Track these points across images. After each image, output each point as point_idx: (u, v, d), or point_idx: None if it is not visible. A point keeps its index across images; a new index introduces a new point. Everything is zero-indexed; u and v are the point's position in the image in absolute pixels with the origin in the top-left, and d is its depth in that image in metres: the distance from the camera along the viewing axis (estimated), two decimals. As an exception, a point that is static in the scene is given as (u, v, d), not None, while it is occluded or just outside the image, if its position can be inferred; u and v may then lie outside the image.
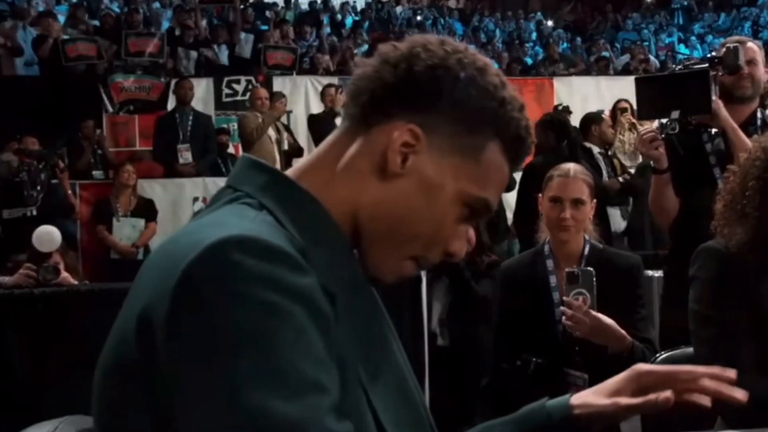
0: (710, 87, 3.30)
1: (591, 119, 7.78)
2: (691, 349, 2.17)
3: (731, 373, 1.29)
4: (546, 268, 3.07)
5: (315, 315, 0.95)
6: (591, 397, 1.28)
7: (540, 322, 2.86)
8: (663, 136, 3.34)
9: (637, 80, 3.90)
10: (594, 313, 2.65)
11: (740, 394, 1.24)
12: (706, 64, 3.40)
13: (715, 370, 1.29)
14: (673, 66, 3.60)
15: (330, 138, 1.18)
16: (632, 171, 8.54)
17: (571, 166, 3.18)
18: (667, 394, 1.22)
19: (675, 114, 3.29)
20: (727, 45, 3.52)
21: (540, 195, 3.15)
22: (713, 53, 3.62)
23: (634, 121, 9.74)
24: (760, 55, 3.54)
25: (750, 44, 3.57)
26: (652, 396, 1.22)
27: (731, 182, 2.18)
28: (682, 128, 3.31)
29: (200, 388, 0.91)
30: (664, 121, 3.39)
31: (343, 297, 1.00)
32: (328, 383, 0.94)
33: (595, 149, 7.51)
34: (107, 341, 1.07)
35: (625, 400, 1.25)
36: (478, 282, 4.46)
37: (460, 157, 1.12)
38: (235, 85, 10.24)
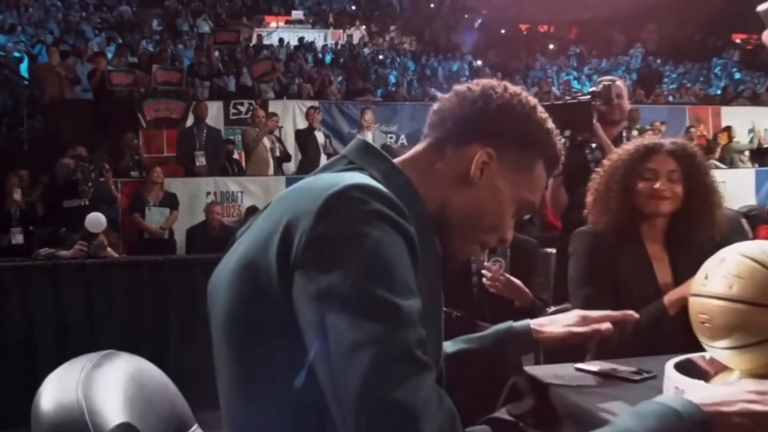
0: (592, 113, 3.41)
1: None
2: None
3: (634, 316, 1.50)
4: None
5: (412, 255, 0.96)
6: (547, 325, 1.46)
7: (460, 284, 2.88)
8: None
9: (542, 107, 3.97)
10: (507, 275, 2.71)
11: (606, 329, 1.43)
12: (589, 97, 3.50)
13: (619, 314, 1.48)
14: (567, 97, 3.68)
15: (421, 147, 1.21)
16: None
17: None
18: (608, 326, 1.43)
19: (567, 132, 3.37)
20: (603, 83, 3.63)
21: None
22: (593, 89, 3.71)
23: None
24: (625, 91, 3.71)
25: (618, 82, 3.70)
26: (596, 326, 1.43)
27: (598, 182, 2.23)
28: (572, 143, 3.40)
29: (335, 279, 0.90)
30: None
31: (422, 257, 1.00)
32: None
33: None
34: (238, 249, 1.05)
35: (577, 329, 1.43)
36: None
37: (519, 173, 1.19)
38: (239, 107, 10.15)
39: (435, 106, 1.23)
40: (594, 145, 3.53)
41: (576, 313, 1.47)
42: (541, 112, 1.22)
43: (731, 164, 10.58)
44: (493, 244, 1.22)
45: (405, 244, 0.95)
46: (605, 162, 2.26)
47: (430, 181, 1.16)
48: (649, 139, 2.20)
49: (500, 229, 1.21)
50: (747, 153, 10.98)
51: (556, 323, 1.45)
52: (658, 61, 16.39)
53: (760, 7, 0.76)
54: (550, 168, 1.23)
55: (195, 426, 1.23)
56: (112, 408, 1.03)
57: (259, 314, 0.98)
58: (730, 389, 1.04)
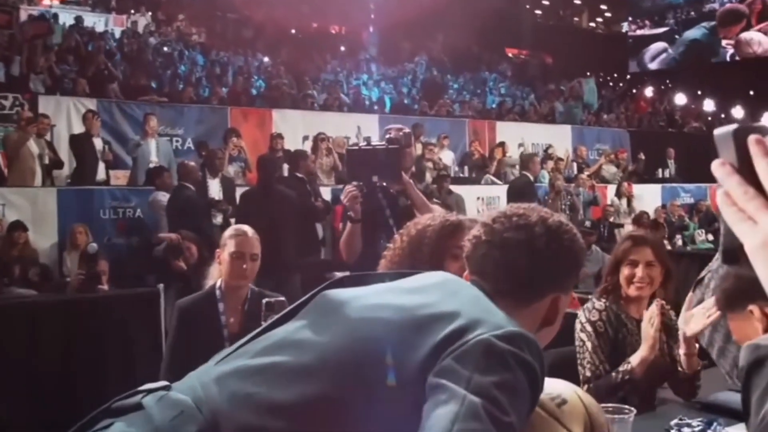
0: (399, 161, 3.37)
1: (298, 155, 7.63)
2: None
3: None
4: (218, 310, 3.01)
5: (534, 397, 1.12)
6: None
7: (211, 352, 2.69)
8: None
9: (348, 151, 3.86)
10: None
11: None
12: (396, 146, 3.41)
13: None
14: (375, 142, 3.61)
15: (502, 302, 1.25)
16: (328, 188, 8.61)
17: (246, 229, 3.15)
18: None
19: (375, 178, 3.33)
20: (401, 131, 3.57)
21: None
22: (390, 136, 3.59)
23: (330, 146, 9.85)
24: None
25: (407, 130, 3.65)
26: None
27: (404, 241, 2.16)
28: (375, 188, 3.35)
29: (483, 382, 1.03)
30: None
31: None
32: None
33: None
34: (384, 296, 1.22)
35: None
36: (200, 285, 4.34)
37: (568, 295, 1.35)
38: (3, 101, 9.01)
39: (497, 255, 1.30)
40: (392, 191, 3.48)
41: None
42: (573, 238, 1.34)
43: (505, 179, 11.25)
44: None
45: (532, 395, 1.10)
46: (412, 226, 2.22)
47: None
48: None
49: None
50: (517, 167, 11.75)
51: None
52: (437, 72, 17.01)
53: (717, 131, 0.74)
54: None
55: None
56: None
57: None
58: None
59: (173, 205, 6.39)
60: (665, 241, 10.54)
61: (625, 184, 11.20)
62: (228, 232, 3.15)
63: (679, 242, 10.81)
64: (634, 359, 2.55)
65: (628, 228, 10.49)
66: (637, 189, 11.38)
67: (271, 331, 1.27)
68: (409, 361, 1.08)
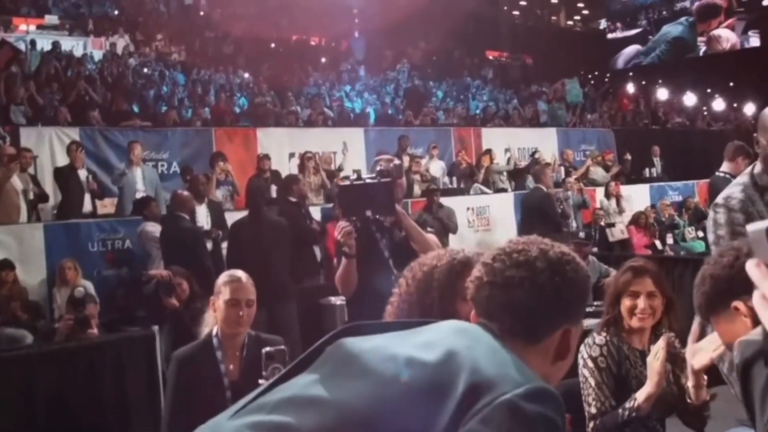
0: (393, 194, 3.31)
1: (290, 180, 7.53)
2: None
3: None
4: (216, 359, 2.95)
5: None
6: None
7: (213, 401, 2.62)
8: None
9: (340, 187, 3.83)
10: None
11: None
12: (389, 179, 3.34)
13: None
14: (366, 176, 3.60)
15: (512, 343, 1.23)
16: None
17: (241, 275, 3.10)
18: None
19: (368, 212, 3.26)
20: (392, 162, 3.55)
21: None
22: (380, 168, 3.55)
23: (318, 164, 9.79)
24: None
25: (397, 161, 3.64)
26: None
27: (411, 285, 2.05)
28: (369, 222, 3.27)
29: None
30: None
31: None
32: None
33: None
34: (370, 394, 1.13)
35: None
36: (193, 321, 4.26)
37: (578, 327, 1.33)
38: (-17, 135, 8.87)
39: (509, 293, 1.27)
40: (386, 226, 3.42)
41: None
42: (576, 268, 1.32)
43: (494, 186, 11.23)
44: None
45: None
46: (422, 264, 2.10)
47: (537, 370, 1.21)
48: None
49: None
50: (505, 174, 11.73)
51: None
52: (419, 80, 16.98)
53: (751, 228, 0.72)
54: None
55: None
56: None
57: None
58: None
59: (168, 237, 6.30)
60: (657, 242, 10.58)
61: (613, 184, 11.21)
62: (222, 278, 3.10)
63: (670, 240, 10.84)
64: (640, 395, 2.51)
65: (620, 227, 10.53)
66: (626, 190, 11.40)
67: (284, 383, 1.22)
68: (433, 426, 1.05)
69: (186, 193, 6.78)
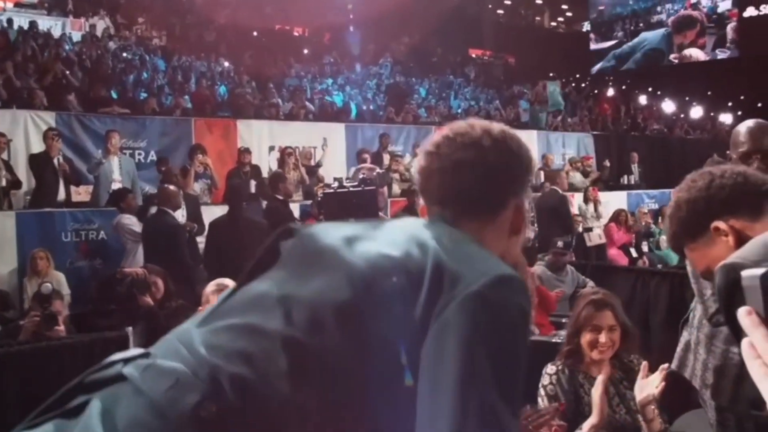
0: (377, 202, 3.36)
1: (277, 177, 7.41)
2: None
3: None
4: None
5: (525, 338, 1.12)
6: None
7: None
8: None
9: (323, 195, 3.79)
10: None
11: None
12: (373, 187, 3.35)
13: None
14: (347, 183, 3.65)
15: (467, 223, 1.25)
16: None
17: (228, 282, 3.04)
18: None
19: (351, 220, 3.28)
20: (376, 170, 3.63)
21: None
22: (363, 176, 3.57)
23: (298, 158, 9.70)
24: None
25: (378, 170, 3.77)
26: None
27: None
28: None
29: (475, 335, 1.01)
30: None
31: None
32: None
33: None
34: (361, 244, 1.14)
35: None
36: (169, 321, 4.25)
37: (526, 199, 1.33)
38: (-45, 119, 8.62)
39: (459, 176, 1.27)
40: None
41: None
42: (519, 143, 1.34)
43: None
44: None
45: (526, 332, 1.11)
46: None
47: (494, 249, 1.23)
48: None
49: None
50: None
51: None
52: (402, 76, 16.91)
53: (745, 274, 0.71)
54: None
55: None
56: None
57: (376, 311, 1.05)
58: None
59: (150, 232, 6.16)
60: (632, 249, 10.66)
61: (591, 189, 11.26)
62: (209, 288, 3.06)
63: (645, 248, 10.92)
64: (586, 425, 2.59)
65: (597, 232, 10.58)
66: (603, 196, 11.45)
67: (248, 284, 1.18)
68: (408, 317, 1.05)
69: (172, 187, 6.65)
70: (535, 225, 9.15)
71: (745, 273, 0.72)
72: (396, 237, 1.15)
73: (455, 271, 1.06)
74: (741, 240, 1.52)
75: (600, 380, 2.57)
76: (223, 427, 0.97)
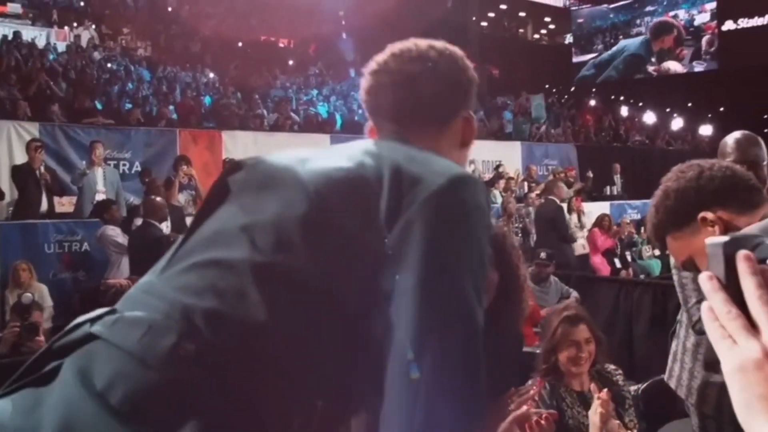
0: None
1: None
2: None
3: None
4: None
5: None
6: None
7: None
8: None
9: None
10: None
11: None
12: None
13: None
14: None
15: (418, 133, 1.26)
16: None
17: None
18: None
19: None
20: None
21: None
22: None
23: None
24: None
25: None
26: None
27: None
28: None
29: (435, 249, 1.01)
30: None
31: None
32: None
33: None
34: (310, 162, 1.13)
35: None
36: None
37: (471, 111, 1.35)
38: (-65, 128, 8.54)
39: (411, 87, 1.27)
40: None
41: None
42: (463, 57, 1.34)
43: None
44: None
45: (487, 231, 1.12)
46: None
47: (448, 158, 1.22)
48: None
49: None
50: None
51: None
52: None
53: (709, 241, 0.74)
54: None
55: None
56: None
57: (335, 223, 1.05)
58: None
59: (137, 244, 6.10)
60: (616, 260, 10.71)
61: (574, 199, 11.32)
62: None
63: (628, 257, 10.98)
64: None
65: (581, 242, 10.63)
66: (586, 207, 11.51)
67: (204, 222, 1.14)
68: (372, 222, 1.04)
69: (159, 199, 6.60)
70: (534, 234, 9.24)
71: (708, 241, 0.74)
72: (349, 152, 1.14)
73: (414, 173, 1.07)
74: (727, 231, 1.53)
75: (599, 403, 2.49)
76: (204, 363, 0.95)
